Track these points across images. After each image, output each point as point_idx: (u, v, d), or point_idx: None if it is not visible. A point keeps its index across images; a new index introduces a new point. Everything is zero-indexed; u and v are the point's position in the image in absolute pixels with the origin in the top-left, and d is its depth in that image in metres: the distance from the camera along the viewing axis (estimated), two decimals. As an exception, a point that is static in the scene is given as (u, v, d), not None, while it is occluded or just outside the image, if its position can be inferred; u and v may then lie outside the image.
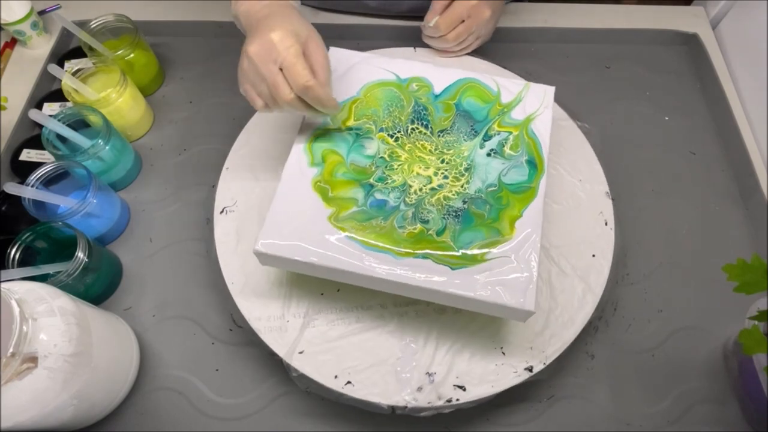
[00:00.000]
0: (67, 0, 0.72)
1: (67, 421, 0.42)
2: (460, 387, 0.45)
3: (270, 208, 0.44)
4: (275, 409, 0.50)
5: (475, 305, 0.42)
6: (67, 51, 0.71)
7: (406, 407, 0.45)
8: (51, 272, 0.48)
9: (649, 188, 0.62)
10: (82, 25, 0.61)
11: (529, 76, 0.62)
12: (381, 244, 0.43)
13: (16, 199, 0.50)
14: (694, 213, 0.61)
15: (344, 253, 0.42)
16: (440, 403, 0.45)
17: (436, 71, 0.54)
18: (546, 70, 0.70)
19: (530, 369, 0.46)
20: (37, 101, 0.66)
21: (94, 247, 0.50)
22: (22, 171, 0.60)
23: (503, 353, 0.47)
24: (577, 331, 0.48)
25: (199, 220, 0.58)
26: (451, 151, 0.49)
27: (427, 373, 0.46)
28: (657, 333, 0.54)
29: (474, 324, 0.48)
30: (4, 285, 0.39)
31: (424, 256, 0.43)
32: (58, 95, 0.66)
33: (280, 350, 0.47)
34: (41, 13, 0.71)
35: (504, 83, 0.53)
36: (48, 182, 0.53)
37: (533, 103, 0.52)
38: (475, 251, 0.43)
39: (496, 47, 0.71)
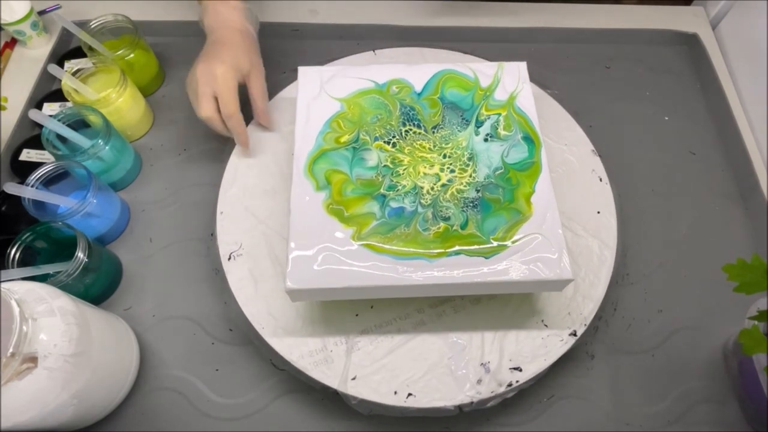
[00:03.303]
0: (67, 0, 0.72)
1: (67, 421, 0.42)
2: (516, 368, 0.46)
3: (289, 243, 0.43)
4: (275, 409, 0.50)
5: (515, 287, 0.44)
6: (67, 51, 0.71)
7: (472, 403, 0.45)
8: (51, 272, 0.48)
9: (649, 188, 0.62)
10: (82, 25, 0.61)
11: (529, 76, 0.62)
12: (411, 250, 0.43)
13: (16, 199, 0.50)
14: (694, 213, 0.61)
15: (377, 268, 0.42)
16: (502, 389, 0.45)
17: (411, 70, 0.53)
18: (546, 70, 0.70)
19: (574, 333, 0.48)
20: (37, 101, 0.66)
21: (94, 247, 0.50)
22: (22, 171, 0.60)
23: (545, 325, 0.48)
24: (605, 287, 0.50)
25: (199, 220, 0.58)
26: (449, 145, 0.49)
27: (482, 364, 0.47)
28: (657, 333, 0.54)
29: (510, 306, 0.50)
30: (4, 285, 0.39)
31: (457, 253, 0.43)
32: (58, 95, 0.66)
33: (333, 382, 0.46)
34: (41, 13, 0.71)
35: (478, 68, 0.54)
36: (48, 182, 0.53)
37: (511, 81, 0.53)
38: (503, 235, 0.44)
39: (497, 47, 0.71)
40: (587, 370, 0.52)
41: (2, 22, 0.66)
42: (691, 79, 0.71)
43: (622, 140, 0.65)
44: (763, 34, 0.65)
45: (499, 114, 0.51)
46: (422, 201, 0.46)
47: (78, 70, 0.59)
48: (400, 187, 0.46)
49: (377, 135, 0.49)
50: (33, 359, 0.37)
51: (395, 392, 0.46)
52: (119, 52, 0.62)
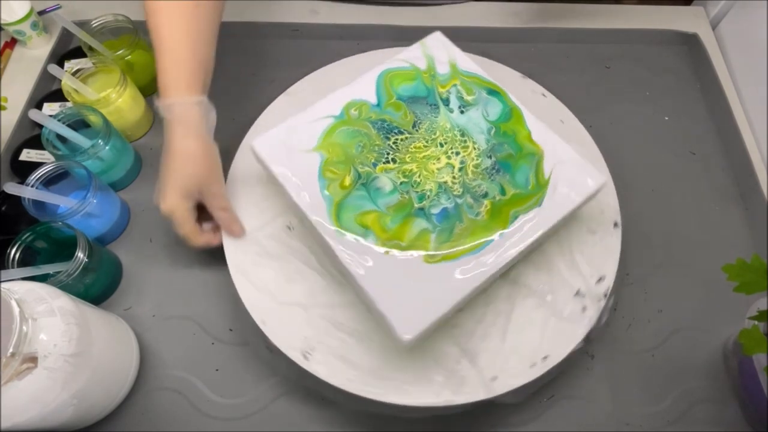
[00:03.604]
0: (67, 0, 0.72)
1: (67, 421, 0.42)
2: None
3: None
4: (275, 409, 0.50)
5: (572, 214, 0.46)
6: (67, 51, 0.71)
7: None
8: (51, 272, 0.48)
9: (649, 188, 0.62)
10: (82, 25, 0.61)
11: (530, 76, 0.62)
12: (481, 241, 0.44)
13: (16, 199, 0.50)
14: (694, 213, 0.61)
15: (463, 272, 0.43)
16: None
17: (356, 87, 0.52)
18: (546, 70, 0.70)
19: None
20: (37, 101, 0.66)
21: (94, 247, 0.50)
22: (22, 171, 0.60)
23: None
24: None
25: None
26: (437, 133, 0.49)
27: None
28: (657, 333, 0.54)
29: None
30: (4, 285, 0.39)
31: (516, 217, 0.45)
32: (58, 95, 0.66)
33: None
34: (41, 13, 0.71)
35: (407, 57, 0.54)
36: (48, 182, 0.53)
37: (440, 53, 0.54)
38: (536, 179, 0.46)
39: (497, 47, 0.71)
40: (587, 370, 0.52)
41: (2, 22, 0.66)
42: (691, 79, 0.71)
43: (622, 140, 0.65)
44: (763, 34, 0.65)
45: (454, 84, 0.52)
46: (455, 193, 0.46)
47: (78, 70, 0.59)
48: (428, 193, 0.46)
49: (373, 160, 0.48)
50: (33, 359, 0.37)
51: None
52: (119, 52, 0.62)
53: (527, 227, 0.44)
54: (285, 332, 0.47)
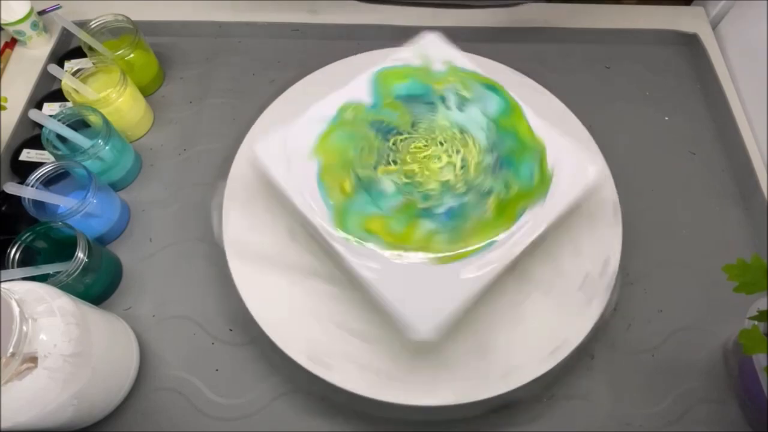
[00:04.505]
0: (67, 0, 0.72)
1: (67, 422, 0.42)
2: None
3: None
4: (275, 409, 0.50)
5: (576, 203, 0.46)
6: (67, 51, 0.71)
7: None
8: (51, 272, 0.48)
9: (649, 188, 0.62)
10: (82, 25, 0.61)
11: (530, 76, 0.62)
12: (488, 241, 0.43)
13: (16, 199, 0.50)
14: (694, 213, 0.61)
15: (470, 270, 0.43)
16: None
17: (351, 88, 0.51)
18: (546, 70, 0.70)
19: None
20: (37, 101, 0.66)
21: (94, 247, 0.50)
22: (22, 171, 0.60)
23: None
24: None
25: (199, 220, 0.58)
26: (435, 132, 0.49)
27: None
28: (657, 333, 0.54)
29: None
30: (4, 285, 0.39)
31: (522, 213, 0.45)
32: (58, 95, 0.66)
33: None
34: (41, 13, 0.70)
35: (400, 57, 0.53)
36: (48, 182, 0.53)
37: (435, 52, 0.53)
38: (540, 174, 0.46)
39: (497, 47, 0.71)
40: (587, 370, 0.52)
41: (2, 22, 0.66)
42: (691, 79, 0.71)
43: (622, 140, 0.65)
44: (763, 34, 0.65)
45: (451, 82, 0.51)
46: (459, 191, 0.46)
47: (78, 70, 0.59)
48: (432, 192, 0.46)
49: (373, 163, 0.47)
50: (33, 359, 0.37)
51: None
52: (119, 52, 0.62)
53: (533, 221, 0.44)
54: (295, 340, 0.47)
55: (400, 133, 0.49)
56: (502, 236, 0.44)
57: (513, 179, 0.46)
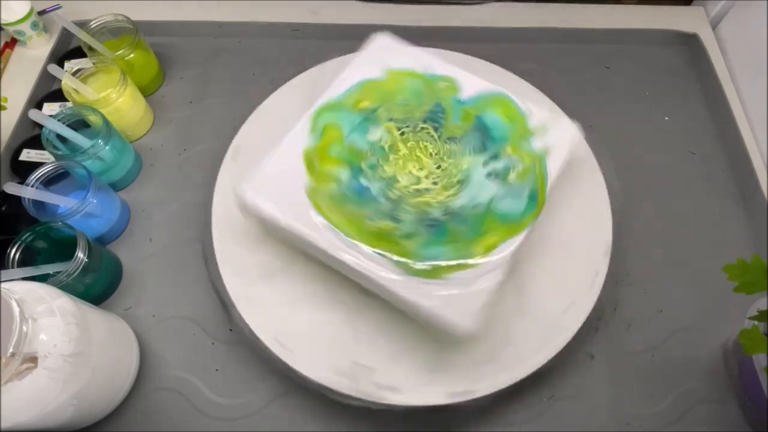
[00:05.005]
0: (67, 0, 0.72)
1: (67, 422, 0.42)
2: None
3: (261, 162, 0.45)
4: (275, 409, 0.50)
5: (416, 312, 0.42)
6: (67, 51, 0.71)
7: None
8: (51, 272, 0.48)
9: (649, 188, 0.62)
10: (82, 25, 0.61)
11: (530, 76, 0.62)
12: (342, 228, 0.43)
13: (16, 199, 0.50)
14: (694, 213, 0.61)
15: (314, 228, 0.43)
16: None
17: (468, 77, 0.51)
18: (546, 70, 0.70)
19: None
20: (37, 101, 0.66)
21: (94, 247, 0.50)
22: (22, 171, 0.60)
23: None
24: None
25: (199, 220, 0.58)
26: (450, 161, 0.47)
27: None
28: (657, 333, 0.54)
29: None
30: (4, 285, 0.39)
31: (381, 255, 0.42)
32: (58, 95, 0.66)
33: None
34: (41, 13, 0.71)
35: (532, 108, 0.50)
36: (48, 182, 0.53)
37: (556, 138, 0.48)
38: (437, 268, 0.42)
39: (497, 47, 0.71)
40: (587, 370, 0.52)
41: (2, 22, 0.66)
42: (691, 79, 0.71)
43: (622, 140, 0.65)
44: (763, 34, 0.65)
45: (522, 161, 0.47)
46: (389, 193, 0.45)
47: (78, 70, 0.59)
48: (380, 171, 0.46)
49: (393, 117, 0.48)
50: (33, 359, 0.37)
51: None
52: (119, 52, 0.62)
53: (378, 267, 0.42)
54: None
55: (436, 130, 0.49)
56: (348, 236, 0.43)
57: (419, 242, 0.43)
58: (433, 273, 0.42)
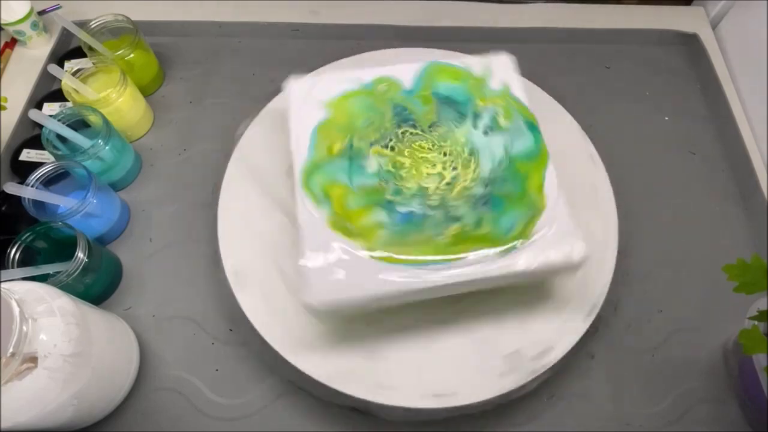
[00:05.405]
0: (67, 0, 0.72)
1: (67, 422, 0.42)
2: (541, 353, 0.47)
3: (302, 257, 0.41)
4: (275, 409, 0.49)
5: (531, 276, 0.43)
6: (67, 51, 0.71)
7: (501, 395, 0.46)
8: (51, 272, 0.48)
9: (649, 188, 0.62)
10: (82, 25, 0.61)
11: (529, 76, 0.62)
12: (429, 258, 0.42)
13: (16, 199, 0.50)
14: (694, 213, 0.61)
15: (396, 275, 0.41)
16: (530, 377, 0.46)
17: (397, 67, 0.51)
18: (546, 70, 0.70)
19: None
20: (37, 101, 0.66)
21: (94, 247, 0.50)
22: (22, 171, 0.60)
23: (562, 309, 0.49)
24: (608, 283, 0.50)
25: (199, 220, 0.58)
26: (448, 142, 0.47)
27: (506, 355, 0.47)
28: (657, 333, 0.54)
29: (526, 295, 0.49)
30: (4, 285, 0.39)
31: (472, 254, 0.42)
32: (58, 95, 0.66)
33: (359, 392, 0.45)
34: (41, 13, 0.71)
35: (466, 61, 0.52)
36: (48, 182, 0.53)
37: (502, 72, 0.51)
38: (520, 232, 0.43)
39: (497, 47, 0.71)
40: (587, 370, 0.52)
41: (2, 22, 0.66)
42: (691, 79, 0.71)
43: (622, 140, 0.65)
44: (763, 34, 0.65)
45: (497, 104, 0.49)
46: (429, 203, 0.44)
47: (78, 70, 0.59)
48: (405, 190, 0.45)
49: (372, 140, 0.47)
50: (33, 359, 0.37)
51: (421, 395, 0.45)
52: (119, 52, 0.62)
53: (476, 265, 0.42)
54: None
55: (415, 127, 0.48)
56: (440, 262, 0.42)
57: (489, 221, 0.43)
58: (523, 235, 0.43)
